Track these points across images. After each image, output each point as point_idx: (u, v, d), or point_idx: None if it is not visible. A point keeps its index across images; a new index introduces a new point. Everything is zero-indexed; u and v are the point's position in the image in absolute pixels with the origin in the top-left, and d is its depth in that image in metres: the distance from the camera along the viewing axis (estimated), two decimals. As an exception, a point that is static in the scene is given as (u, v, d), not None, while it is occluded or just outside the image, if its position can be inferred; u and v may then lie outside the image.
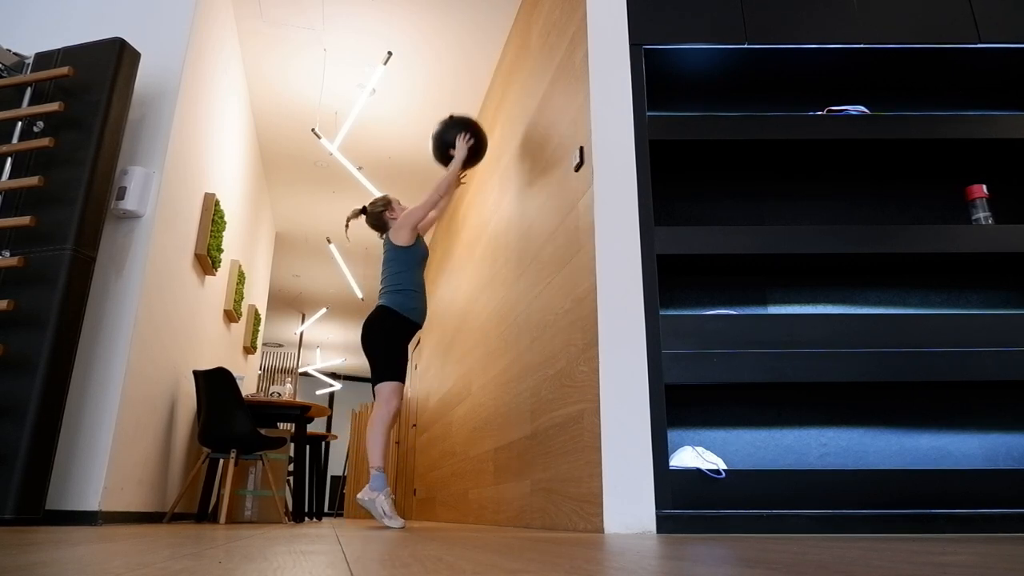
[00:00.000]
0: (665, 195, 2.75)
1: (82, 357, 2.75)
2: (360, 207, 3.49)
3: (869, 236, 2.36)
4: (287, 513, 4.34)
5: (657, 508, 2.11)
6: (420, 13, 4.31)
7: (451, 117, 3.49)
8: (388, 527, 2.84)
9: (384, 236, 3.38)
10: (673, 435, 2.46)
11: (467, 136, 3.40)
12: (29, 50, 3.09)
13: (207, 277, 4.14)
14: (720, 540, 1.67)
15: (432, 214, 3.48)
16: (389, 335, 3.14)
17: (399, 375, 3.12)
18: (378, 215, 3.40)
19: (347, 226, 3.59)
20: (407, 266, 3.25)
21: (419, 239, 3.36)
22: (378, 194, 5.84)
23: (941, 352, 2.24)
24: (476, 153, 3.48)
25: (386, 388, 3.08)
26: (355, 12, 4.30)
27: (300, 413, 4.23)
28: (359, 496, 2.98)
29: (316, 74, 4.92)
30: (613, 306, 2.31)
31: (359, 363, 13.40)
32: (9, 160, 2.74)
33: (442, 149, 3.46)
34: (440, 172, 3.65)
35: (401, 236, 3.26)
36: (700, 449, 2.27)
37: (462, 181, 3.63)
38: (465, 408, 4.73)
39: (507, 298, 3.75)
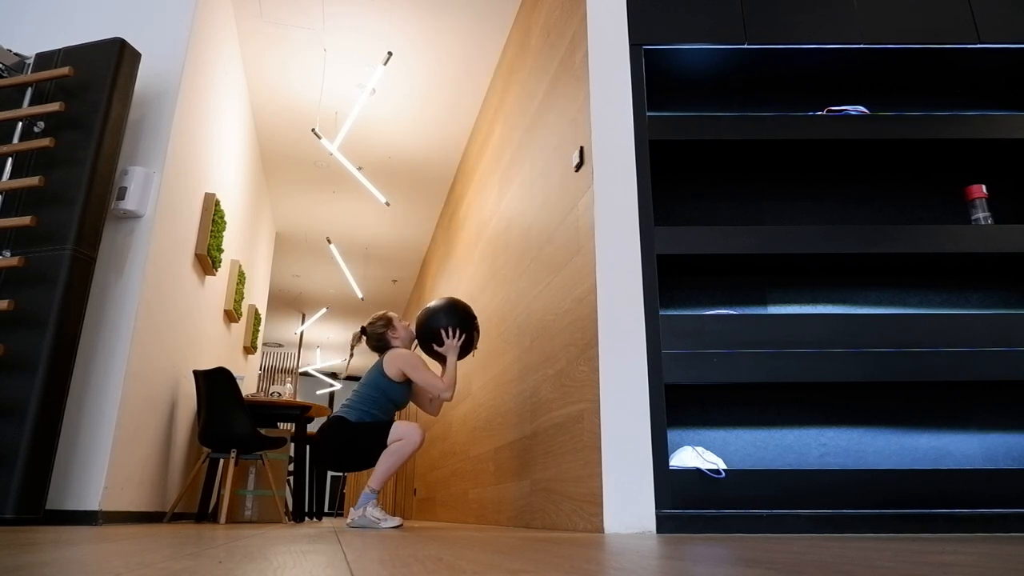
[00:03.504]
0: (665, 195, 2.75)
1: (82, 357, 2.75)
2: (360, 329, 3.26)
3: (869, 236, 2.36)
4: (287, 513, 4.34)
5: (657, 508, 2.11)
6: (420, 13, 4.31)
7: (429, 309, 3.15)
8: (386, 528, 2.84)
9: (380, 357, 3.16)
10: (673, 435, 2.46)
11: (457, 333, 3.08)
12: (29, 50, 3.09)
13: (207, 277, 4.14)
14: (720, 540, 1.67)
15: (426, 392, 3.20)
16: (353, 427, 2.94)
17: (389, 425, 2.96)
18: (379, 336, 3.17)
19: (351, 353, 3.36)
20: (382, 395, 3.04)
21: (408, 387, 3.14)
22: (378, 195, 5.86)
23: (941, 352, 2.24)
24: (467, 346, 3.16)
25: (400, 428, 2.92)
26: (355, 12, 4.30)
27: (300, 413, 4.23)
28: (348, 523, 2.92)
29: (316, 74, 4.92)
30: (613, 306, 2.31)
31: (359, 363, 13.40)
32: (9, 160, 2.74)
33: (426, 337, 3.13)
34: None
35: (392, 369, 3.04)
36: (700, 449, 2.27)
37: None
38: (465, 408, 4.73)
39: (507, 298, 3.75)
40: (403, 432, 2.93)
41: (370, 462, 3.00)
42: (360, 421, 2.98)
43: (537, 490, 2.88)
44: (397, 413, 3.14)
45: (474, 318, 3.18)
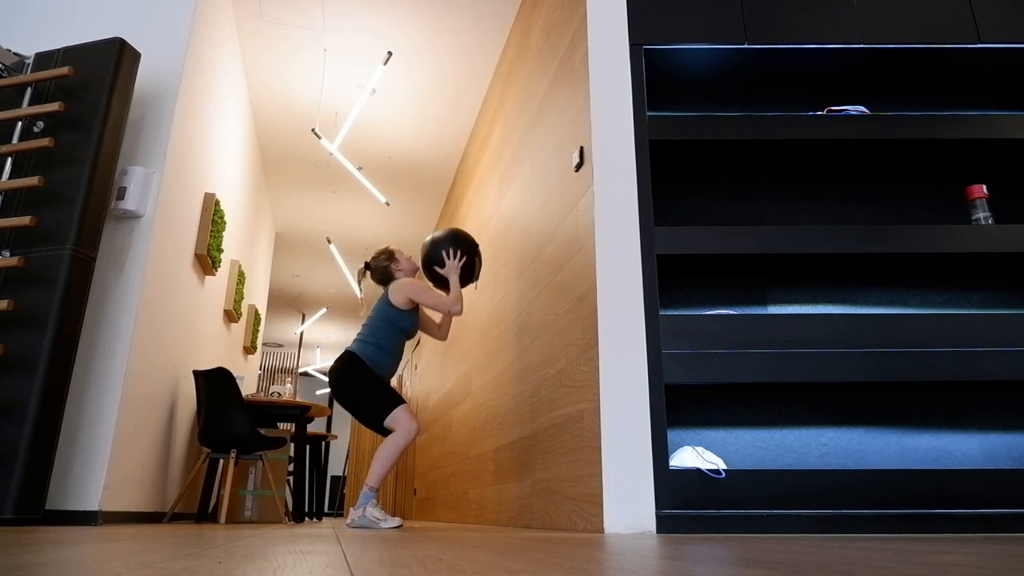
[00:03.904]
0: (665, 195, 2.75)
1: (82, 357, 2.75)
2: (364, 264, 3.33)
3: (869, 236, 2.36)
4: (287, 513, 4.34)
5: (657, 508, 2.11)
6: (420, 13, 4.31)
7: (434, 238, 3.24)
8: (386, 528, 2.84)
9: (385, 288, 3.23)
10: (673, 435, 2.46)
11: (457, 254, 3.17)
12: (29, 50, 3.09)
13: (207, 277, 4.14)
14: (720, 540, 1.67)
15: (431, 314, 3.31)
16: (360, 380, 3.01)
17: (399, 399, 3.02)
18: (383, 269, 3.25)
19: (360, 288, 3.44)
20: (391, 326, 3.10)
21: (415, 315, 3.19)
22: (378, 195, 5.86)
23: (941, 352, 2.24)
24: (469, 272, 3.23)
25: (400, 416, 2.96)
26: (355, 12, 4.30)
27: (300, 413, 4.23)
28: (348, 523, 2.93)
29: (316, 74, 4.92)
30: (613, 306, 2.31)
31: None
32: (9, 160, 2.74)
33: (428, 263, 3.23)
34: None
35: (398, 297, 3.10)
36: (700, 449, 2.27)
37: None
38: (465, 408, 4.73)
39: (507, 298, 3.75)
40: (399, 419, 2.97)
41: (371, 424, 3.06)
42: (372, 361, 3.03)
43: (537, 490, 2.87)
44: (401, 385, 3.17)
45: (476, 245, 3.26)
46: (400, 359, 3.19)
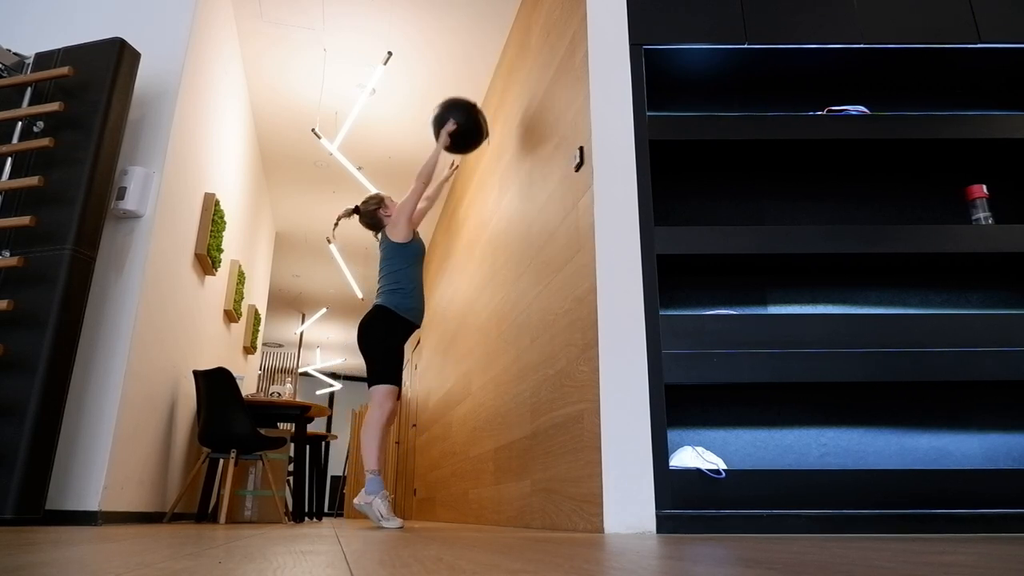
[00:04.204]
0: (665, 194, 2.75)
1: (82, 357, 2.74)
2: (352, 206, 3.43)
3: (869, 236, 2.36)
4: (287, 513, 4.34)
5: (657, 508, 2.11)
6: (420, 13, 4.31)
7: (449, 101, 3.43)
8: (386, 528, 2.84)
9: (380, 235, 3.34)
10: (673, 435, 2.46)
11: (451, 123, 3.35)
12: (29, 50, 3.09)
13: (207, 277, 4.14)
14: (720, 540, 1.67)
15: (422, 205, 3.45)
16: (387, 337, 3.11)
17: (394, 378, 3.10)
18: (372, 213, 3.36)
19: (336, 224, 3.56)
20: (405, 263, 3.22)
21: (416, 235, 3.32)
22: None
23: (941, 352, 2.24)
24: (464, 140, 3.40)
25: (380, 391, 3.06)
26: (355, 12, 4.30)
27: (300, 413, 4.23)
28: (355, 502, 2.97)
29: (316, 74, 4.92)
30: (613, 306, 2.31)
31: (359, 363, 13.40)
32: (9, 160, 2.74)
33: (437, 131, 3.43)
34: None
35: (397, 232, 3.22)
36: (700, 449, 2.27)
37: (455, 166, 3.66)
38: (465, 408, 4.73)
39: (507, 298, 3.75)
40: (375, 394, 3.06)
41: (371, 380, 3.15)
42: (402, 307, 3.14)
43: (537, 490, 2.87)
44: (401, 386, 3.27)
45: (472, 104, 3.44)
46: (423, 291, 3.31)
